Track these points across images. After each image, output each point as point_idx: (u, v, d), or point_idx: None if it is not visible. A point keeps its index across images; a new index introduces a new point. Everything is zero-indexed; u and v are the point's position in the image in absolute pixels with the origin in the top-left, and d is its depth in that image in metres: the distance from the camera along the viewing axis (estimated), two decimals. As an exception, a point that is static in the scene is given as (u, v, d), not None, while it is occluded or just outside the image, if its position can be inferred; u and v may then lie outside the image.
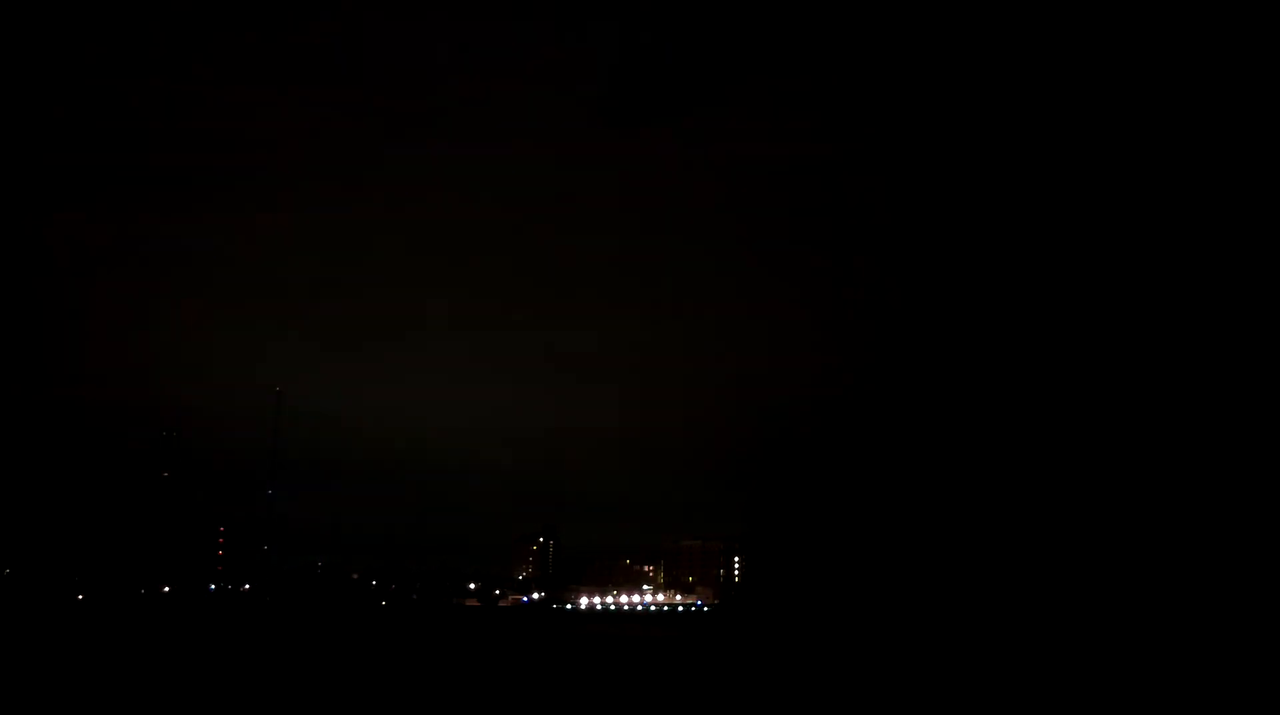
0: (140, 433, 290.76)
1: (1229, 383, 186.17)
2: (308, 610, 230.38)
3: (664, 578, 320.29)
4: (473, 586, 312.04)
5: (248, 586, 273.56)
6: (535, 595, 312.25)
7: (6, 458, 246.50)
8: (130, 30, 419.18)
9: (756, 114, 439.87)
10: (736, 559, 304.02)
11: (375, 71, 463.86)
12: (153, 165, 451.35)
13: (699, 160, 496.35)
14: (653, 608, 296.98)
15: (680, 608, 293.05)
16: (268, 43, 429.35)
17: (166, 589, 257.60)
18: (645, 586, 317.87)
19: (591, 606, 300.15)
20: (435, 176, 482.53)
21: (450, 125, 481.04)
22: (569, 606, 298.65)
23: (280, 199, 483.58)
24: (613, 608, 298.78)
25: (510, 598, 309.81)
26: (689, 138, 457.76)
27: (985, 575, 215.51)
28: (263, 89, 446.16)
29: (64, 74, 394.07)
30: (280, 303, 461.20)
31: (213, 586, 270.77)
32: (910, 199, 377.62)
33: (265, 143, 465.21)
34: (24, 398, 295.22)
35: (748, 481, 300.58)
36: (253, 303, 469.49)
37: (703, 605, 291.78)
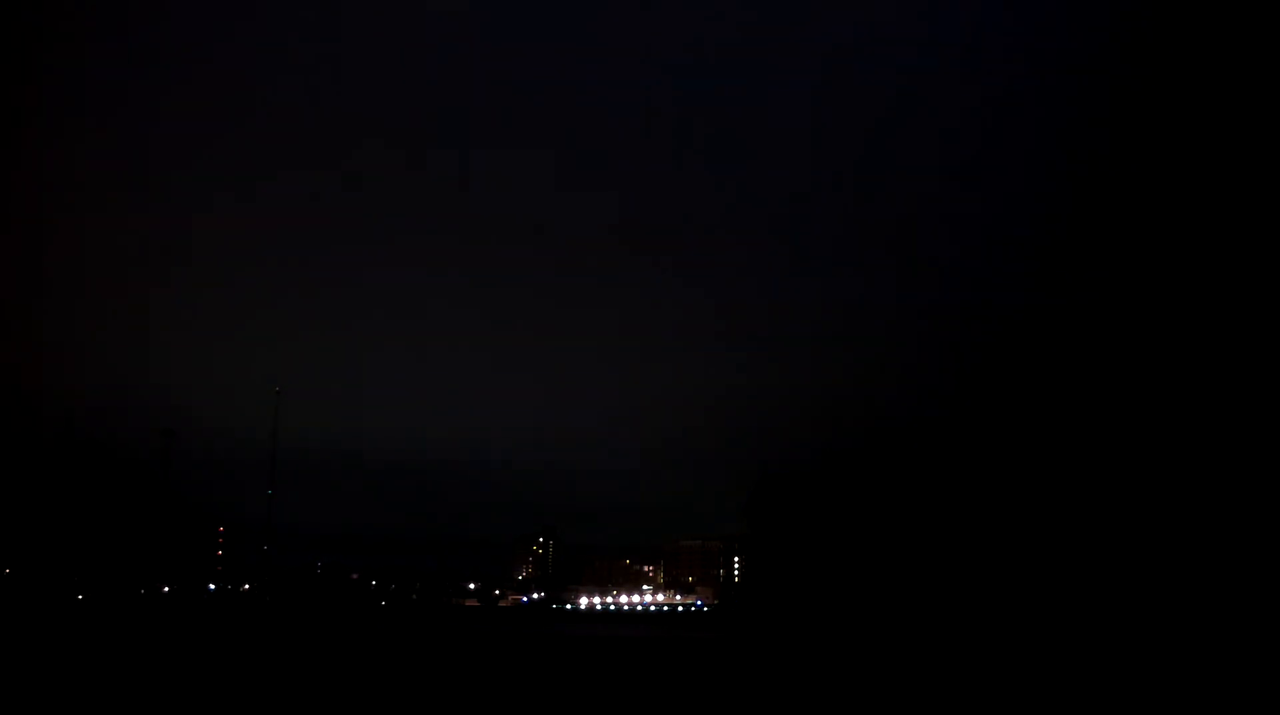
0: (140, 433, 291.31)
1: (1230, 385, 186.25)
2: (307, 610, 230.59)
3: (664, 578, 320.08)
4: (472, 586, 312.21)
5: (247, 586, 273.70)
6: (535, 595, 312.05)
7: (6, 458, 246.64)
8: (137, 26, 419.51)
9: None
10: (736, 559, 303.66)
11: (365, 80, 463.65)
12: (152, 165, 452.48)
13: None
14: (652, 608, 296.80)
15: (680, 608, 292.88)
16: (269, 40, 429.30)
17: (166, 589, 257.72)
18: (645, 586, 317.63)
19: (591, 606, 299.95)
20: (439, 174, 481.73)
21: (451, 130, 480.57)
22: (569, 606, 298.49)
23: (280, 197, 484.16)
24: (612, 608, 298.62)
25: (510, 598, 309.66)
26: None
27: (985, 576, 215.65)
28: (255, 89, 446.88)
29: (61, 73, 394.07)
30: (281, 302, 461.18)
31: (212, 586, 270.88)
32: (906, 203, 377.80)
33: (263, 141, 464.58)
34: (24, 398, 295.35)
35: (748, 481, 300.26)
36: (253, 302, 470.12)
37: (703, 605, 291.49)
